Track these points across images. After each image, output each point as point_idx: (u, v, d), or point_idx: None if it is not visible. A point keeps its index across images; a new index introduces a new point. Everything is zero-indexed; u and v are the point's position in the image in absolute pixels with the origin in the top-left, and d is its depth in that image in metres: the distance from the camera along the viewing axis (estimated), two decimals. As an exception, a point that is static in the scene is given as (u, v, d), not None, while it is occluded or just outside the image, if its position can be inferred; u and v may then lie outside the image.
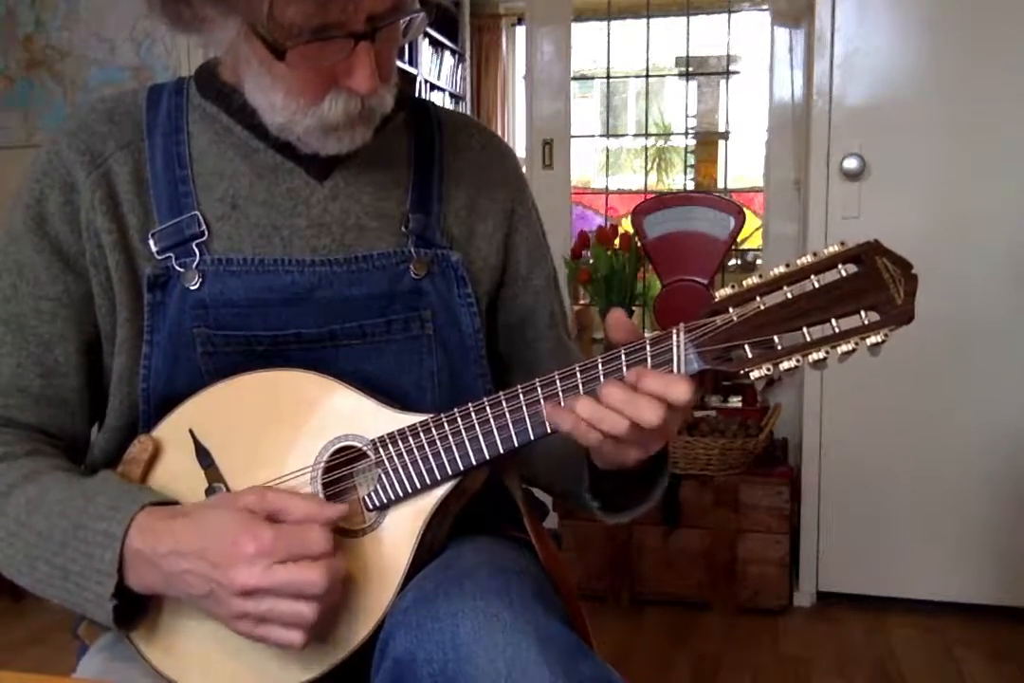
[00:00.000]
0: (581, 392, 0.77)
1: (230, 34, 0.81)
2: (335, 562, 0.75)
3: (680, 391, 0.73)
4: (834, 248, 0.75)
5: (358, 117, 0.85)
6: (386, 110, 0.88)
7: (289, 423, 0.85)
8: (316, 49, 0.79)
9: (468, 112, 5.28)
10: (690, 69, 4.59)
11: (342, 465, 0.84)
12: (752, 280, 0.76)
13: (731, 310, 0.75)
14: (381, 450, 0.82)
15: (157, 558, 0.76)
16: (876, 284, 0.74)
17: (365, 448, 0.83)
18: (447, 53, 5.04)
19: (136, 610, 0.82)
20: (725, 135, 4.66)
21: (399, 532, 0.82)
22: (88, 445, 0.95)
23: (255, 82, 0.85)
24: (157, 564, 0.77)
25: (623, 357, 0.77)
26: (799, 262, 0.75)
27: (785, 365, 0.74)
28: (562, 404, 0.78)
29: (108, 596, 0.78)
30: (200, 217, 0.89)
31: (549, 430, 0.79)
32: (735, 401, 2.77)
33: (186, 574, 0.76)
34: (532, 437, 0.79)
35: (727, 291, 0.76)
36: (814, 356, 0.74)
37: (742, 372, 0.75)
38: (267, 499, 0.77)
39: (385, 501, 0.82)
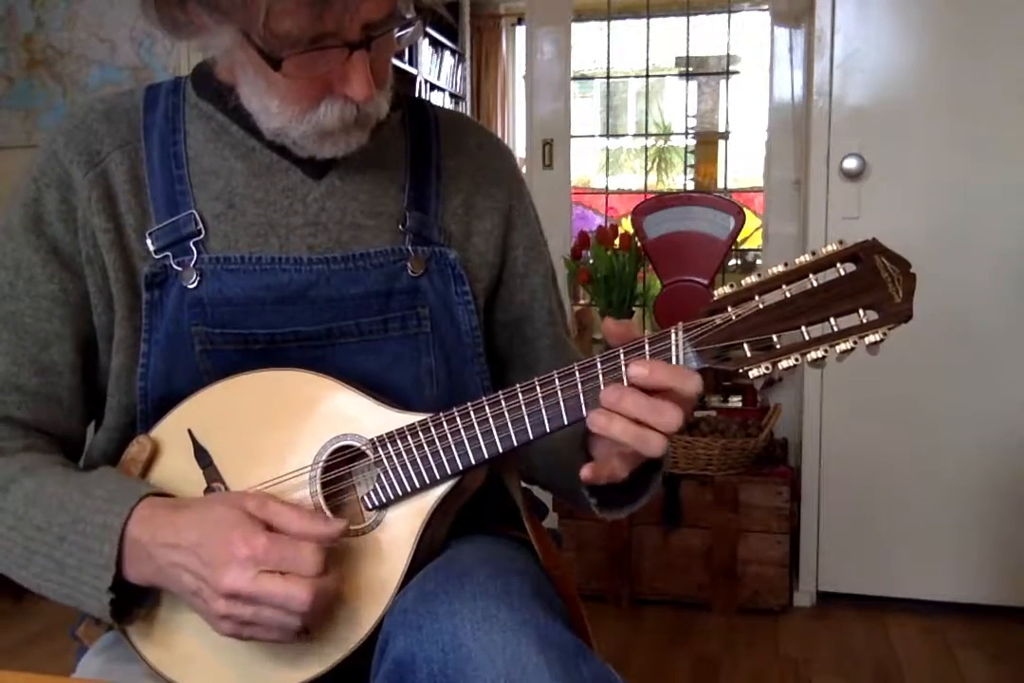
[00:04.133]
0: (580, 392, 0.77)
1: (225, 41, 0.81)
2: (325, 581, 0.74)
3: (692, 383, 0.74)
4: (832, 247, 0.75)
5: (353, 123, 0.85)
6: (381, 115, 0.88)
7: (288, 423, 0.85)
8: (312, 58, 0.79)
9: (468, 112, 5.28)
10: (690, 69, 4.58)
11: (341, 464, 0.84)
12: (751, 279, 0.76)
13: (730, 309, 0.75)
14: (380, 449, 0.82)
15: (153, 548, 0.77)
16: (874, 283, 0.74)
17: (364, 447, 0.83)
18: (447, 53, 5.04)
19: (133, 605, 0.82)
20: (725, 135, 4.66)
21: (398, 531, 0.82)
22: (83, 444, 0.95)
23: (250, 88, 0.86)
24: (152, 554, 0.77)
25: (622, 356, 0.77)
26: (798, 261, 0.75)
27: (784, 364, 0.74)
28: (561, 406, 0.78)
29: (105, 589, 0.78)
30: (197, 216, 0.89)
31: (548, 429, 0.79)
32: (735, 401, 2.77)
33: (177, 567, 0.76)
34: (532, 437, 0.79)
35: (726, 290, 0.76)
36: (813, 355, 0.74)
37: (741, 371, 0.75)
38: (267, 507, 0.77)
39: (384, 500, 0.82)
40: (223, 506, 0.77)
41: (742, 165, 4.70)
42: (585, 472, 0.79)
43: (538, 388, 0.79)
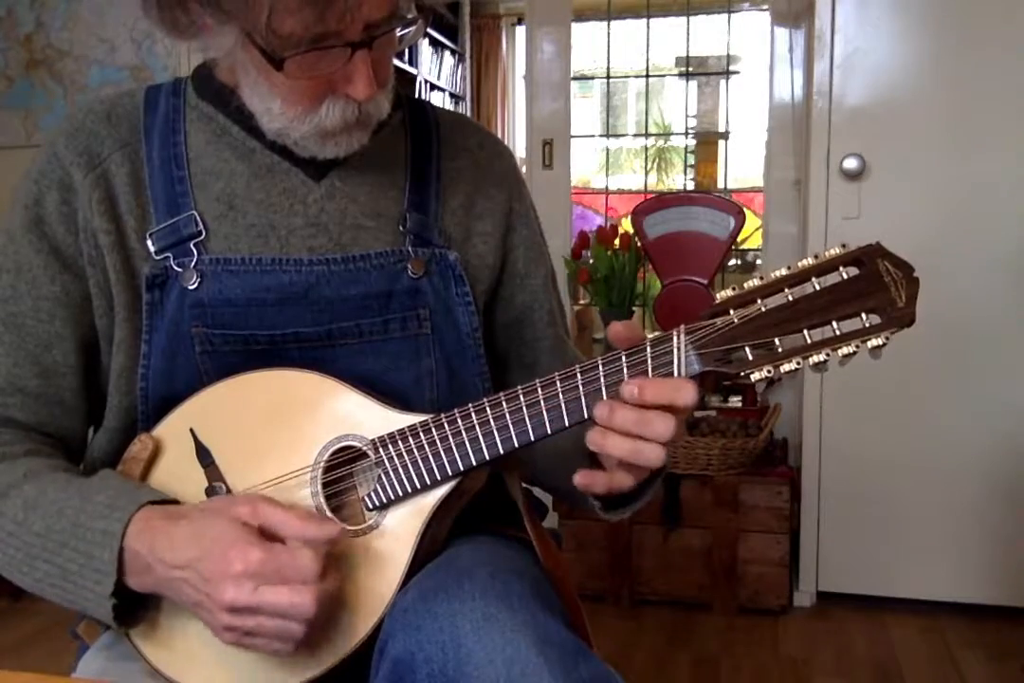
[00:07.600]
0: (582, 394, 0.77)
1: (228, 42, 0.81)
2: (324, 585, 0.74)
3: (686, 395, 0.74)
4: (835, 250, 0.75)
5: (355, 123, 0.86)
6: (382, 115, 0.88)
7: (289, 422, 0.85)
8: (314, 58, 0.79)
9: (468, 112, 5.28)
10: (690, 69, 4.58)
11: (342, 465, 0.84)
12: (753, 282, 0.76)
13: (732, 312, 0.75)
14: (381, 450, 0.82)
15: (153, 561, 0.76)
16: (877, 287, 0.74)
17: (365, 448, 0.83)
18: (447, 53, 5.04)
19: (136, 608, 0.82)
20: (725, 135, 4.66)
21: (399, 532, 0.82)
22: (85, 445, 0.95)
23: (252, 88, 0.86)
24: (152, 566, 0.77)
25: (623, 358, 0.77)
26: (800, 264, 0.75)
27: (786, 367, 0.74)
28: (563, 408, 0.78)
29: (107, 595, 0.78)
30: (197, 217, 0.89)
31: (550, 431, 0.79)
32: (735, 401, 2.77)
33: (178, 582, 0.76)
34: (532, 438, 0.79)
35: (728, 293, 0.76)
36: (815, 358, 0.74)
37: (743, 374, 0.75)
38: (259, 512, 0.76)
39: (385, 501, 0.82)
40: (218, 519, 0.76)
41: (742, 165, 4.70)
42: (578, 478, 0.79)
43: (539, 390, 0.79)
